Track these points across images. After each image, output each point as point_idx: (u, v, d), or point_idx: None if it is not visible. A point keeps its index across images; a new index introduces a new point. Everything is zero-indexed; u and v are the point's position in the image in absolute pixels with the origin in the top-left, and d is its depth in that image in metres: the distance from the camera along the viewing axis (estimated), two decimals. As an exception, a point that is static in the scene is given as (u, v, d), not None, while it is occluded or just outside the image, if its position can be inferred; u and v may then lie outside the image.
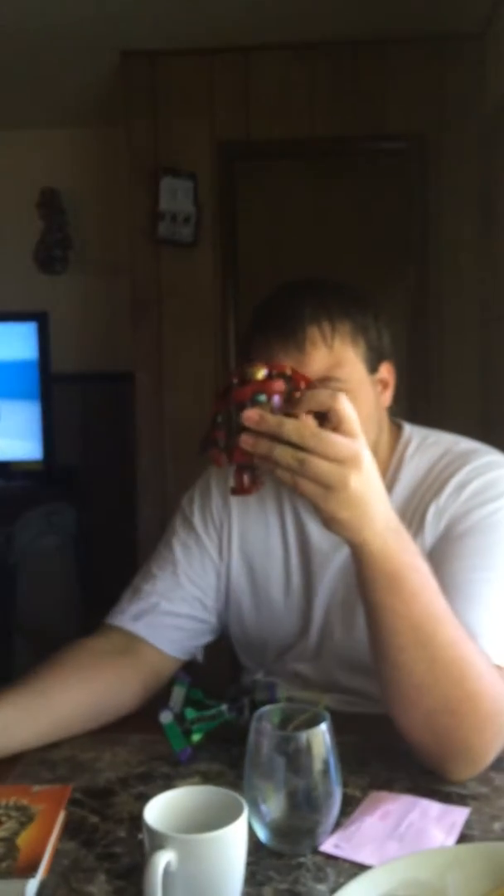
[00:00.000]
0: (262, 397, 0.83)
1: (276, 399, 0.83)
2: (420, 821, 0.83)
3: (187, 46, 3.01)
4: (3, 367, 3.30)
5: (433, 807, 0.86)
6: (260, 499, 1.20)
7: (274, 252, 3.09)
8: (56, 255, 3.61)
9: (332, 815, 0.79)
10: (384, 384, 1.14)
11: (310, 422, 0.81)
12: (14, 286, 3.56)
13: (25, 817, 0.83)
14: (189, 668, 1.19)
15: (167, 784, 0.92)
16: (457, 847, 0.78)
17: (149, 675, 1.14)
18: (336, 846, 0.79)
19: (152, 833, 0.69)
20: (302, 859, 0.78)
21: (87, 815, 0.87)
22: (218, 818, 0.71)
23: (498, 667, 0.92)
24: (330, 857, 0.78)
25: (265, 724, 0.79)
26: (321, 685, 1.15)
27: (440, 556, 1.02)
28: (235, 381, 0.85)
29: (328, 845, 0.80)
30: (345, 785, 0.83)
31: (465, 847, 0.76)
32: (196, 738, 0.98)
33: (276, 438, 0.80)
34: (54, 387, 3.30)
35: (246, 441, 0.81)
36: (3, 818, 0.83)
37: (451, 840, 0.80)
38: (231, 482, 0.88)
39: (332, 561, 1.15)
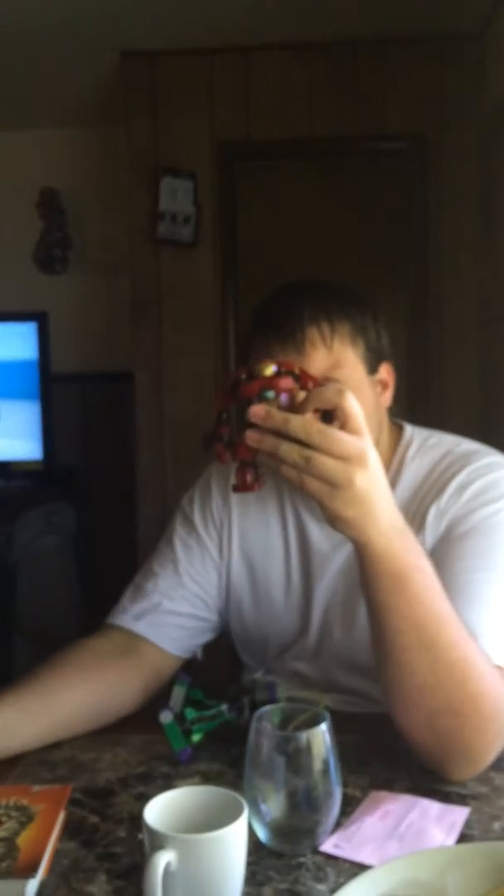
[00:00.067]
0: (270, 394, 0.82)
1: (284, 397, 0.82)
2: (420, 820, 0.83)
3: (187, 46, 3.01)
4: (3, 367, 3.30)
5: (433, 806, 0.86)
6: (260, 498, 1.20)
7: (274, 252, 3.10)
8: (56, 255, 3.61)
9: (332, 815, 0.79)
10: (384, 385, 1.14)
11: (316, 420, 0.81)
12: (14, 286, 3.56)
13: (25, 817, 0.83)
14: (189, 667, 1.20)
15: (167, 784, 0.92)
16: (457, 847, 0.78)
17: (150, 674, 1.14)
18: (336, 846, 0.80)
19: (152, 833, 0.69)
20: (302, 859, 0.78)
21: (87, 815, 0.87)
22: (218, 818, 0.71)
23: (499, 667, 0.92)
24: (330, 857, 0.78)
25: (265, 724, 0.79)
26: (320, 684, 1.15)
27: (441, 557, 1.02)
28: (243, 376, 0.84)
29: (328, 845, 0.80)
30: (345, 785, 0.83)
31: (465, 847, 0.76)
32: (196, 738, 0.98)
33: (282, 435, 0.79)
34: (54, 387, 3.30)
35: (251, 437, 0.80)
36: (3, 818, 0.83)
37: (451, 840, 0.80)
38: (233, 479, 0.88)
39: (332, 561, 1.15)
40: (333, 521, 0.83)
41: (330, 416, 0.82)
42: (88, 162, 3.62)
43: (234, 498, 1.21)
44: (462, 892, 0.68)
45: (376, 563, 0.84)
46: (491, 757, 0.91)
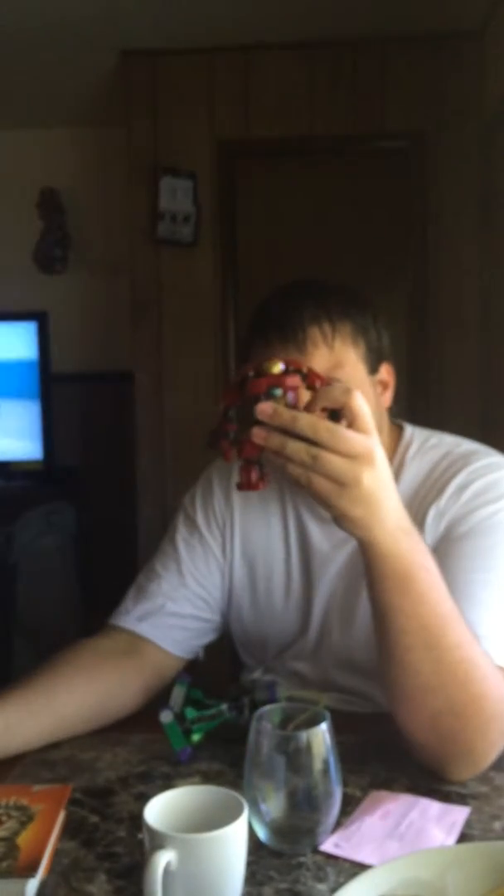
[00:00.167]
0: (278, 391, 0.82)
1: (291, 395, 0.82)
2: (420, 820, 0.83)
3: (187, 46, 3.01)
4: (3, 367, 3.30)
5: (433, 806, 0.86)
6: (262, 498, 1.20)
7: (274, 252, 3.10)
8: (56, 254, 3.61)
9: (332, 815, 0.79)
10: (384, 385, 1.14)
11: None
12: (14, 286, 3.56)
13: (25, 817, 0.83)
14: (189, 667, 1.20)
15: (167, 784, 0.92)
16: (457, 846, 0.78)
17: (152, 675, 1.14)
18: (336, 846, 0.80)
19: (152, 833, 0.69)
20: (302, 859, 0.78)
21: (87, 815, 0.87)
22: (218, 818, 0.71)
23: (500, 668, 0.92)
24: (330, 857, 0.78)
25: (265, 723, 0.79)
26: (318, 684, 1.16)
27: (440, 558, 1.01)
28: (251, 373, 0.84)
29: (328, 845, 0.80)
30: (345, 785, 0.82)
31: (465, 847, 0.76)
32: (196, 737, 0.98)
33: (289, 433, 0.79)
34: (54, 387, 3.30)
35: (258, 434, 0.80)
36: (3, 818, 0.83)
37: (451, 839, 0.80)
38: (236, 477, 0.87)
39: (333, 561, 1.15)
40: (340, 520, 0.82)
41: (337, 415, 0.81)
42: (88, 162, 3.62)
43: (236, 497, 1.21)
44: (462, 892, 0.68)
45: (382, 562, 0.84)
46: (492, 757, 0.91)
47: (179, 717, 0.97)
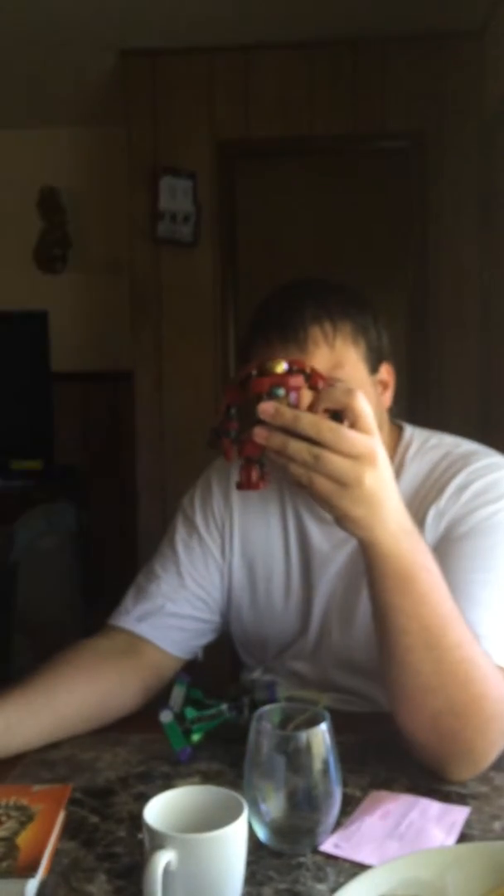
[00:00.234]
0: (281, 391, 0.81)
1: (293, 395, 0.81)
2: (420, 820, 0.83)
3: (187, 46, 3.01)
4: (3, 366, 3.30)
5: (433, 806, 0.86)
6: (261, 498, 1.20)
7: (274, 251, 3.10)
8: (56, 254, 3.61)
9: (332, 815, 0.79)
10: (384, 385, 1.14)
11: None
12: (14, 285, 3.56)
13: (25, 817, 0.83)
14: (189, 667, 1.20)
15: (167, 784, 0.92)
16: (457, 846, 0.78)
17: (151, 675, 1.14)
18: (336, 846, 0.79)
19: (152, 833, 0.69)
20: (302, 859, 0.78)
21: (87, 815, 0.87)
22: (218, 818, 0.71)
23: (500, 668, 0.92)
24: (330, 857, 0.78)
25: (265, 723, 0.79)
26: (317, 684, 1.16)
27: (440, 558, 1.01)
28: (254, 372, 0.83)
29: (328, 845, 0.80)
30: (345, 785, 0.82)
31: (465, 847, 0.76)
32: (196, 737, 0.98)
33: (291, 433, 0.79)
34: (54, 387, 3.30)
35: (260, 434, 0.80)
36: (3, 818, 0.83)
37: (451, 839, 0.80)
38: (236, 476, 0.86)
39: (332, 562, 1.15)
40: (341, 520, 0.82)
41: (339, 416, 0.81)
42: (88, 161, 3.62)
43: (236, 497, 1.21)
44: (462, 892, 0.68)
45: (383, 562, 0.84)
46: (492, 757, 0.91)
47: (179, 717, 0.97)
